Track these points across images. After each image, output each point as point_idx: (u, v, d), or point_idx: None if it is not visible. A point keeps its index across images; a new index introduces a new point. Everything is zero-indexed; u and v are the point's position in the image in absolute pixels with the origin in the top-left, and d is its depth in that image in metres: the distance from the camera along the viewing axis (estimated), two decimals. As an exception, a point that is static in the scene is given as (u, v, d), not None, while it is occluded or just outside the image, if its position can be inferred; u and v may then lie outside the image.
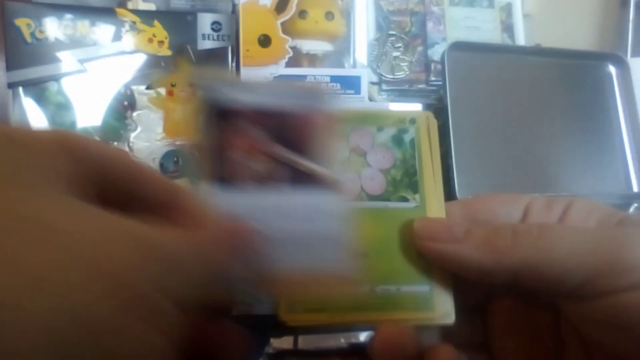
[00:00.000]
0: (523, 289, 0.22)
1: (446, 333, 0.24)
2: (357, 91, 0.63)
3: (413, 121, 0.25)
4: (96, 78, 0.58)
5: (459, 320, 0.24)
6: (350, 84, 0.63)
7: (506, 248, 0.21)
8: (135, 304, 0.15)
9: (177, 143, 0.61)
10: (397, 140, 0.25)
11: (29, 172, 0.15)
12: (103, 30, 0.58)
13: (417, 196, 0.24)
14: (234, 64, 0.62)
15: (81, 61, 0.58)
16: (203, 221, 0.19)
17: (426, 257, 0.23)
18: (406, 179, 0.25)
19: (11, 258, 0.13)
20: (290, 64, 0.63)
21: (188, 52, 0.61)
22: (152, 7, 0.62)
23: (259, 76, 0.60)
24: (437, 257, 0.23)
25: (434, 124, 0.26)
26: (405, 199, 0.24)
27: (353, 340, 0.50)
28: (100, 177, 0.18)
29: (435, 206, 0.24)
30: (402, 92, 0.69)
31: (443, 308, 0.23)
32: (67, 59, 0.58)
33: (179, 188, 0.21)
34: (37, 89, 0.57)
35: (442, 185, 0.25)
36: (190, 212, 0.20)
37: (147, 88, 0.60)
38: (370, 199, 0.24)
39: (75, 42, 0.58)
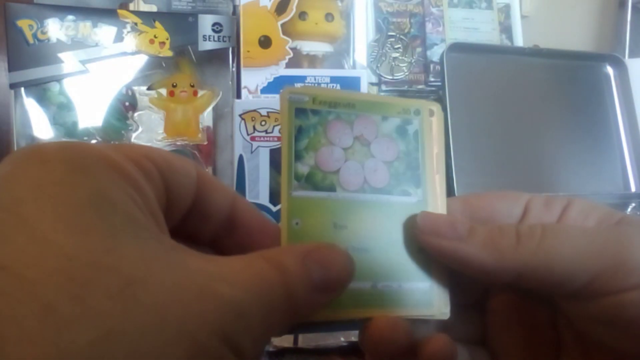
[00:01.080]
0: (525, 289, 0.22)
1: (444, 328, 0.24)
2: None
3: (417, 112, 0.24)
4: (98, 79, 0.59)
5: (457, 316, 0.24)
6: (350, 84, 0.63)
7: (509, 249, 0.21)
8: (199, 354, 0.15)
9: (178, 143, 0.61)
10: (401, 131, 0.24)
11: (110, 208, 0.16)
12: (105, 32, 0.59)
13: (419, 191, 0.24)
14: (234, 65, 0.63)
15: (83, 62, 0.58)
16: (300, 254, 0.19)
17: (428, 252, 0.23)
18: (409, 173, 0.24)
19: (89, 311, 0.14)
20: (290, 64, 0.63)
21: (189, 53, 0.61)
22: (153, 8, 0.62)
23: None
24: (438, 253, 0.22)
25: (440, 115, 0.25)
26: (407, 193, 0.24)
27: (353, 339, 0.50)
28: (175, 197, 0.19)
29: (437, 201, 0.24)
30: (401, 92, 0.69)
31: (441, 304, 0.23)
32: (69, 60, 0.58)
33: (239, 202, 0.22)
34: (39, 89, 0.58)
35: (445, 180, 0.24)
36: (287, 247, 0.21)
37: (149, 89, 0.60)
38: (372, 191, 0.23)
39: (77, 43, 0.58)
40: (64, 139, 0.58)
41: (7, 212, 0.15)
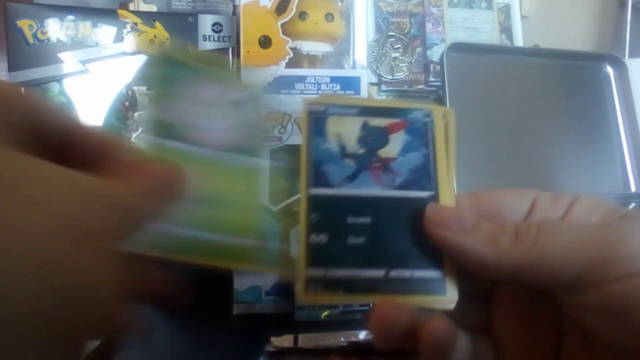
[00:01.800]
0: (524, 285, 0.23)
1: (449, 317, 0.24)
2: (357, 92, 0.63)
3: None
4: (98, 79, 0.59)
5: (463, 305, 0.24)
6: (350, 84, 0.63)
7: (507, 246, 0.22)
8: (86, 241, 0.17)
9: (178, 143, 0.61)
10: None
11: None
12: (105, 32, 0.59)
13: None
14: (234, 65, 0.63)
15: (83, 62, 0.58)
16: (134, 168, 0.22)
17: (433, 241, 0.24)
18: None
19: None
20: (290, 64, 0.63)
21: (189, 53, 0.61)
22: (153, 8, 0.62)
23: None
24: (442, 243, 0.23)
25: (452, 118, 0.27)
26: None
27: (352, 339, 0.50)
28: (36, 132, 0.21)
29: (447, 197, 0.26)
30: (401, 92, 0.69)
31: (449, 293, 0.24)
32: (69, 60, 0.58)
33: (110, 141, 0.23)
34: (39, 89, 0.58)
35: (455, 179, 0.26)
36: (122, 161, 0.23)
37: (149, 89, 0.60)
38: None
39: (77, 43, 0.58)
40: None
41: None
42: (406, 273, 0.24)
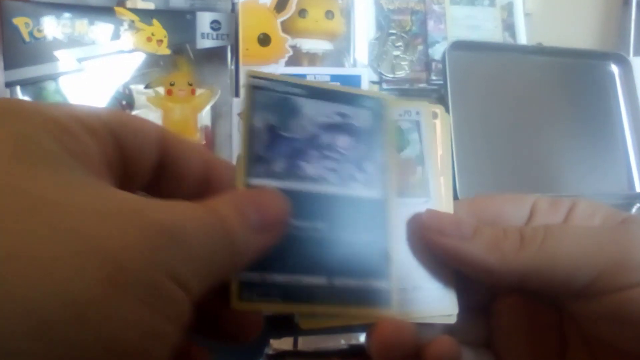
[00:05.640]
0: (529, 291, 0.22)
1: (450, 331, 0.24)
2: (358, 90, 0.63)
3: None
4: (94, 77, 0.58)
5: (463, 319, 0.24)
6: (351, 83, 0.63)
7: (513, 251, 0.21)
8: (134, 286, 0.14)
9: (176, 142, 0.61)
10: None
11: (44, 151, 0.15)
12: (101, 29, 0.58)
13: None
14: (233, 63, 0.62)
15: (79, 60, 0.58)
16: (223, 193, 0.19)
17: (431, 250, 0.23)
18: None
19: None
20: (290, 63, 0.63)
21: (187, 51, 0.61)
22: (151, 5, 0.62)
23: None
24: (442, 251, 0.22)
25: (444, 118, 0.25)
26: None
27: (353, 342, 0.50)
28: (133, 156, 0.19)
29: (443, 203, 0.24)
30: (402, 91, 0.69)
31: (449, 306, 0.23)
32: (65, 58, 0.57)
33: (215, 163, 0.22)
34: (35, 88, 0.57)
35: (451, 182, 0.24)
36: (220, 186, 0.21)
37: (146, 87, 0.60)
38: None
39: (73, 41, 0.58)
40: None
41: None
42: (352, 282, 0.22)
